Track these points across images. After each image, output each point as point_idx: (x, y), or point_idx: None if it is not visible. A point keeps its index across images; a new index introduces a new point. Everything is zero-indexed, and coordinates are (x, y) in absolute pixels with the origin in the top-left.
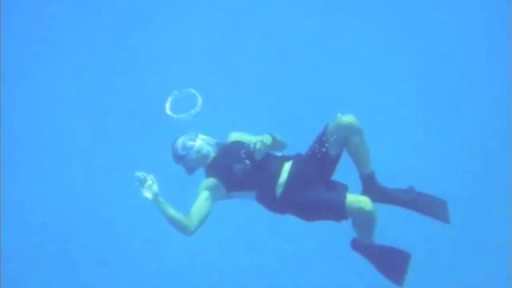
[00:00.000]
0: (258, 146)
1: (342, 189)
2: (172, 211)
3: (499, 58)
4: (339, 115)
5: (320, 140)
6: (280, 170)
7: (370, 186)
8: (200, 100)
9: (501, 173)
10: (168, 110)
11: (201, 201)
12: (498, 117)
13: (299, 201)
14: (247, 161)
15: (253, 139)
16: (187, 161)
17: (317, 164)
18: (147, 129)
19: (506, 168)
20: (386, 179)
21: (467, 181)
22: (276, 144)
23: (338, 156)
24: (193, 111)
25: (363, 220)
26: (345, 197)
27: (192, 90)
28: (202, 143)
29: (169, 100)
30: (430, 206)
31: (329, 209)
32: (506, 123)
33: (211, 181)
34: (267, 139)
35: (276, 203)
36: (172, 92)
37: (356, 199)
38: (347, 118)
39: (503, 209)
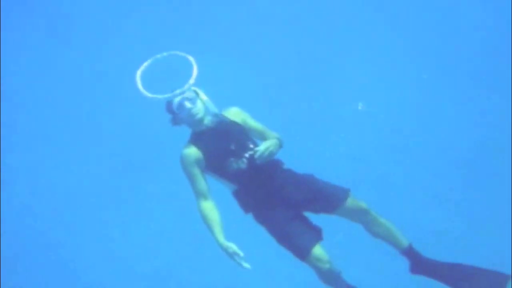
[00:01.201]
0: (265, 155)
1: (316, 235)
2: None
3: None
4: None
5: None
6: (270, 182)
7: (414, 261)
8: (195, 68)
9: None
10: (140, 86)
11: (201, 180)
12: None
13: (273, 222)
14: (245, 160)
15: (261, 134)
16: (176, 117)
17: (309, 202)
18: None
19: None
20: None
21: None
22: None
23: (333, 214)
24: (184, 87)
25: (320, 275)
26: (312, 247)
27: (182, 54)
28: (201, 108)
29: (142, 68)
30: (487, 283)
31: (294, 247)
32: None
33: (195, 153)
34: (275, 147)
35: (251, 209)
36: (150, 58)
37: (319, 255)
38: (358, 205)
39: None
